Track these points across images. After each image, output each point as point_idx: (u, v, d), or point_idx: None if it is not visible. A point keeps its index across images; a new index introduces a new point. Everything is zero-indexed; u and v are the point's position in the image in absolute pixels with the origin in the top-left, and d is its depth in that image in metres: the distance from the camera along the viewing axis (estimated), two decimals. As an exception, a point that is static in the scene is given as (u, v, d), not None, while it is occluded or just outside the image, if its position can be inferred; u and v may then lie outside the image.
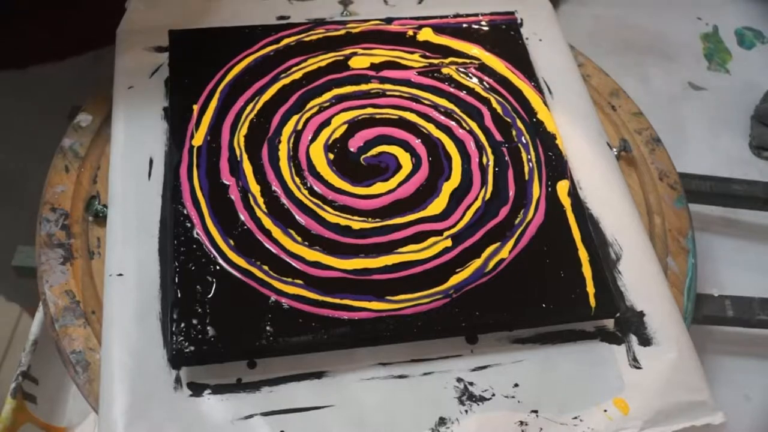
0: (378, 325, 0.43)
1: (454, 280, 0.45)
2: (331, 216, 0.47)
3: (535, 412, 0.43)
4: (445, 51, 0.57)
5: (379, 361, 0.44)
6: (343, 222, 0.47)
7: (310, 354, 0.43)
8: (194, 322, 0.42)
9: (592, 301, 0.45)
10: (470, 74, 0.55)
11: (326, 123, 0.52)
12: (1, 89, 0.65)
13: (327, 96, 0.53)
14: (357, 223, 0.47)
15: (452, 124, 0.52)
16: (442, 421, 0.42)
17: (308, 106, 0.52)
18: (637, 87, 0.76)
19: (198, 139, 0.50)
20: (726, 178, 0.66)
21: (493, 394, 0.43)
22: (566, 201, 0.49)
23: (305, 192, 0.48)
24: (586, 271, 0.46)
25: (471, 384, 0.43)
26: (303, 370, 0.43)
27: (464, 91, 0.54)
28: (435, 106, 0.53)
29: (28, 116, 0.67)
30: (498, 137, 0.52)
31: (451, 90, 0.54)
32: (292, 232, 0.46)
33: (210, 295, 0.43)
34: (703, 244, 0.65)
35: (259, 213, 0.47)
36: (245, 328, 0.42)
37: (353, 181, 0.49)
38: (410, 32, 0.58)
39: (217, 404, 0.41)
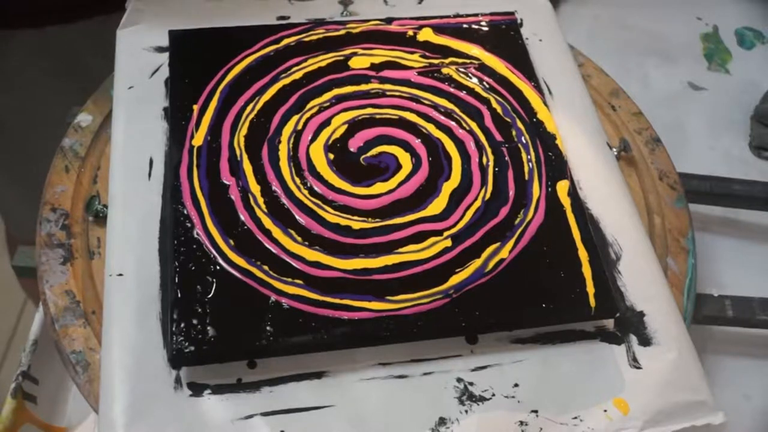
0: (378, 325, 0.43)
1: (454, 280, 0.45)
2: (331, 216, 0.47)
3: (535, 412, 0.43)
4: (445, 51, 0.57)
5: (379, 361, 0.44)
6: (343, 222, 0.47)
7: (310, 354, 0.43)
8: (194, 322, 0.42)
9: (592, 301, 0.45)
10: (470, 74, 0.55)
11: (326, 123, 0.52)
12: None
13: (327, 96, 0.53)
14: (357, 223, 0.47)
15: (452, 124, 0.52)
16: (442, 421, 0.42)
17: (308, 106, 0.52)
18: (637, 87, 0.75)
19: (198, 139, 0.50)
20: (726, 178, 0.66)
21: (493, 394, 0.43)
22: (566, 201, 0.49)
23: (305, 192, 0.48)
24: (586, 271, 0.46)
25: (471, 384, 0.43)
26: (303, 370, 0.43)
27: (464, 91, 0.54)
28: (435, 106, 0.53)
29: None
30: (498, 137, 0.52)
31: (451, 90, 0.54)
32: (292, 232, 0.46)
33: (210, 295, 0.43)
34: (703, 244, 0.65)
35: (259, 213, 0.47)
36: (245, 328, 0.42)
37: (353, 181, 0.49)
38: (410, 32, 0.58)
39: (217, 404, 0.41)
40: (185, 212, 0.46)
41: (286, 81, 0.54)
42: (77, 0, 0.64)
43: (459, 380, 0.43)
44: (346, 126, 0.52)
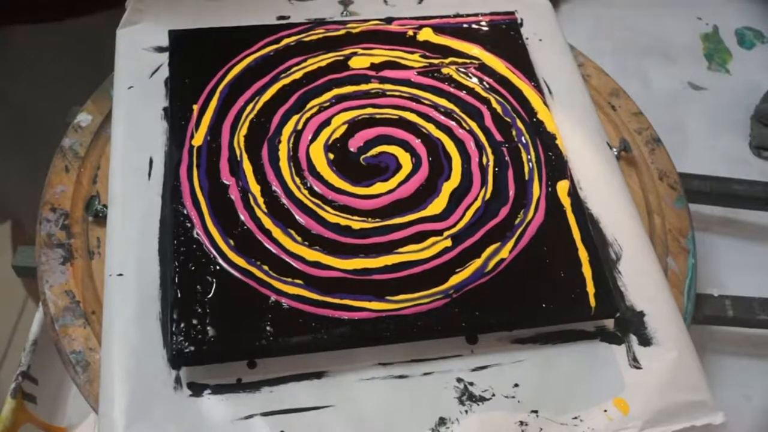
0: (378, 325, 0.43)
1: (454, 280, 0.45)
2: (331, 216, 0.47)
3: (535, 412, 0.43)
4: (445, 51, 0.57)
5: (379, 361, 0.44)
6: (343, 222, 0.47)
7: (310, 354, 0.43)
8: (194, 322, 0.42)
9: (592, 301, 0.45)
10: (470, 74, 0.55)
11: (326, 123, 0.52)
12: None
13: (327, 96, 0.53)
14: (357, 223, 0.47)
15: (452, 124, 0.52)
16: (442, 421, 0.42)
17: (308, 106, 0.52)
18: (637, 87, 0.75)
19: (198, 139, 0.50)
20: (726, 178, 0.66)
21: (493, 394, 0.43)
22: (566, 201, 0.49)
23: (305, 192, 0.48)
24: (586, 271, 0.46)
25: (471, 384, 0.43)
26: (303, 370, 0.43)
27: (464, 91, 0.54)
28: (435, 106, 0.53)
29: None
30: (498, 137, 0.52)
31: (451, 90, 0.54)
32: (292, 232, 0.46)
33: (210, 295, 0.43)
34: (703, 244, 0.65)
35: (259, 213, 0.47)
36: (245, 328, 0.42)
37: (353, 181, 0.49)
38: (410, 32, 0.58)
39: (217, 404, 0.41)
40: (185, 212, 0.46)
41: (286, 81, 0.54)
42: None
43: (459, 380, 0.43)
44: (346, 126, 0.52)
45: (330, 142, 0.51)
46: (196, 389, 0.42)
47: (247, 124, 0.51)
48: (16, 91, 0.71)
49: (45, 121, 0.63)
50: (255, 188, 0.48)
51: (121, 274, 0.45)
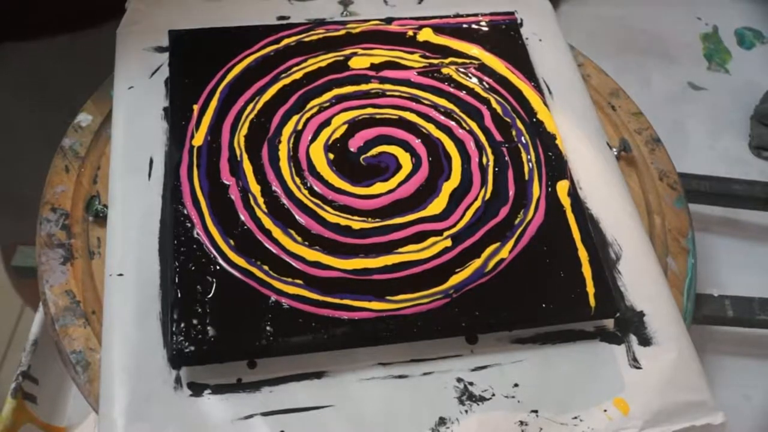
0: (378, 325, 0.43)
1: (454, 280, 0.45)
2: (331, 216, 0.47)
3: (535, 412, 0.43)
4: (445, 51, 0.57)
5: (379, 361, 0.44)
6: (343, 222, 0.47)
7: (310, 354, 0.43)
8: (194, 322, 0.42)
9: (592, 301, 0.45)
10: (470, 74, 0.55)
11: (326, 123, 0.52)
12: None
13: (327, 96, 0.53)
14: (357, 223, 0.47)
15: (452, 124, 0.52)
16: (442, 421, 0.42)
17: (308, 106, 0.52)
18: (637, 87, 0.75)
19: (198, 139, 0.50)
20: (726, 178, 0.66)
21: (493, 394, 0.43)
22: (566, 201, 0.49)
23: (305, 192, 0.48)
24: (586, 271, 0.46)
25: (471, 384, 0.43)
26: (303, 370, 0.43)
27: (464, 91, 0.54)
28: (435, 106, 0.53)
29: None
30: (498, 137, 0.52)
31: (451, 90, 0.54)
32: (292, 232, 0.46)
33: (210, 295, 0.43)
34: (703, 244, 0.65)
35: (259, 213, 0.47)
36: (245, 328, 0.42)
37: (353, 181, 0.49)
38: (410, 32, 0.58)
39: (217, 404, 0.41)
40: (185, 212, 0.46)
41: (286, 81, 0.54)
42: (78, 11, 0.64)
43: (459, 380, 0.43)
44: (346, 126, 0.52)
45: (330, 142, 0.51)
46: (196, 389, 0.42)
47: (247, 124, 0.51)
48: (15, 91, 0.71)
49: (45, 121, 0.63)
50: (255, 188, 0.48)
51: (121, 274, 0.45)
